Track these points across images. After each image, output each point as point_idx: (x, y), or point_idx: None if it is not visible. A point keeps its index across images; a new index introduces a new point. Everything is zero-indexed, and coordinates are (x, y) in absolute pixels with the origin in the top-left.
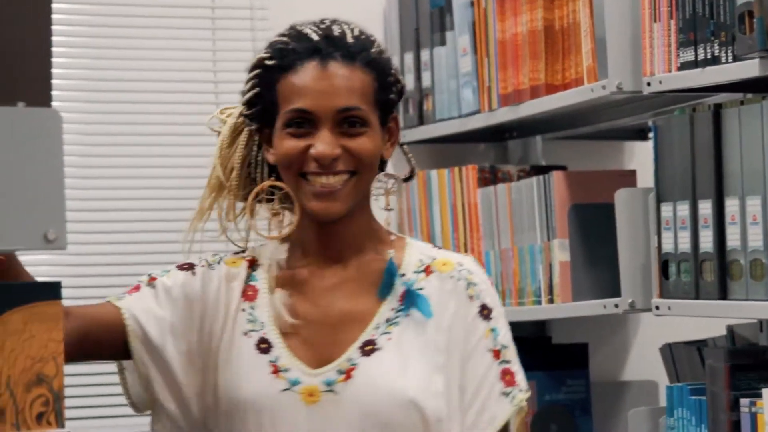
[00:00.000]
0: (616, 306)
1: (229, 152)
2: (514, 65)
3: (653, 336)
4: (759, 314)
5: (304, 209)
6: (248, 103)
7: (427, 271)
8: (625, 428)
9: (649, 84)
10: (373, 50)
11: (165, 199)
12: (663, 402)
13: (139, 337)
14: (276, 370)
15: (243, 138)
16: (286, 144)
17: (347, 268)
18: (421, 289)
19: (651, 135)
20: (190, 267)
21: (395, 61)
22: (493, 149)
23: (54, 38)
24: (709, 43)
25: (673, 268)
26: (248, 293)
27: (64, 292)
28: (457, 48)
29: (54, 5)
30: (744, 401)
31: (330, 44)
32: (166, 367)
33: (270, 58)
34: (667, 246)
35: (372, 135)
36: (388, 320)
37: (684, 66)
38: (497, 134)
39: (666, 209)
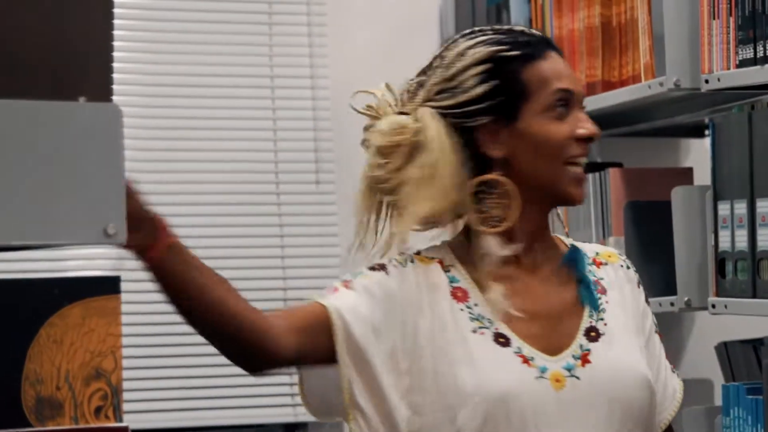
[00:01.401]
0: (672, 304)
1: (437, 157)
2: (571, 62)
3: (709, 334)
4: None
5: (540, 199)
6: (478, 99)
7: (597, 263)
8: (680, 427)
9: (707, 81)
10: None
11: (223, 194)
12: (719, 401)
13: (344, 336)
14: (525, 360)
15: (451, 140)
16: (551, 128)
17: (546, 260)
18: (602, 279)
19: (708, 132)
20: (381, 267)
21: None
22: None
23: (115, 33)
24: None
25: (729, 267)
26: (458, 294)
27: (124, 286)
28: None
29: (116, 0)
30: None
31: (548, 39)
32: (369, 368)
33: (509, 50)
34: (724, 244)
35: None
36: (594, 307)
37: (743, 63)
38: None
39: (723, 207)
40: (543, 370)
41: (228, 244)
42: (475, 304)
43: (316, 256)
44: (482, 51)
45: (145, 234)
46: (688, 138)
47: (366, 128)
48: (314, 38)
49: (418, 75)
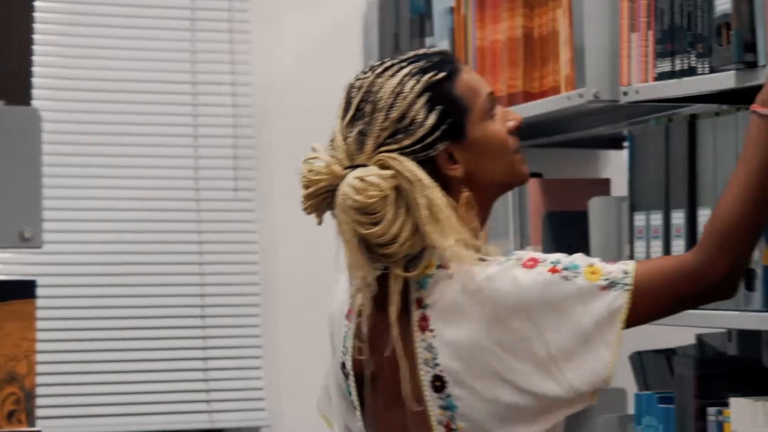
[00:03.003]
0: None
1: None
2: (492, 72)
3: (623, 344)
4: (728, 324)
5: (496, 195)
6: (432, 129)
7: None
8: None
9: (625, 93)
10: None
11: (143, 200)
12: (632, 410)
13: None
14: None
15: (426, 175)
16: (494, 130)
17: None
18: None
19: (626, 144)
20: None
21: None
22: None
23: (35, 37)
24: (686, 54)
25: None
26: None
27: (40, 291)
28: None
29: (36, 3)
30: (711, 410)
31: (449, 52)
32: None
33: (436, 74)
34: (640, 255)
35: None
36: None
37: (661, 76)
38: None
39: (639, 218)
40: None
41: (146, 249)
42: None
43: (234, 262)
44: (417, 83)
45: None
46: (607, 149)
47: (315, 193)
48: (236, 45)
49: (349, 125)
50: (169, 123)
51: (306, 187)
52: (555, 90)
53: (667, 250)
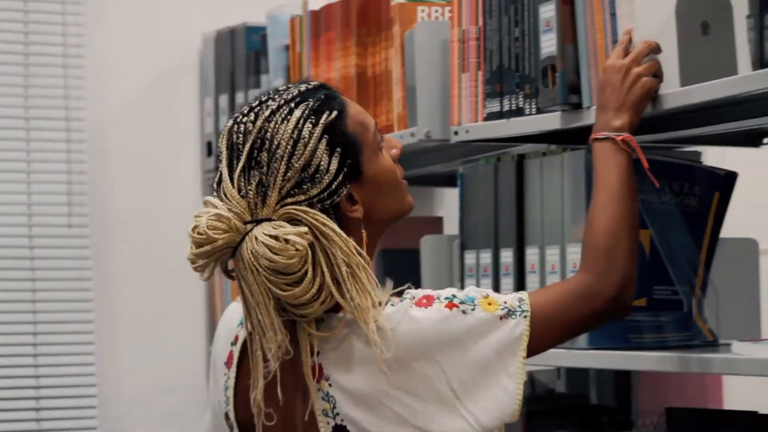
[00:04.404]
0: None
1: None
2: None
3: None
4: (557, 362)
5: (387, 227)
6: (336, 174)
7: None
8: None
9: (456, 133)
10: None
11: None
12: None
13: None
14: None
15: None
16: (385, 162)
17: None
18: None
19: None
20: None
21: (209, 104)
22: None
23: None
24: (514, 95)
25: None
26: None
27: None
28: None
29: None
30: None
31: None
32: None
33: (329, 114)
34: None
35: None
36: None
37: (490, 116)
38: None
39: (469, 257)
40: None
41: None
42: None
43: (68, 300)
44: (314, 126)
45: None
46: (441, 187)
47: (212, 252)
48: (70, 80)
49: (242, 175)
50: (2, 159)
51: (199, 244)
52: (388, 128)
53: (496, 288)
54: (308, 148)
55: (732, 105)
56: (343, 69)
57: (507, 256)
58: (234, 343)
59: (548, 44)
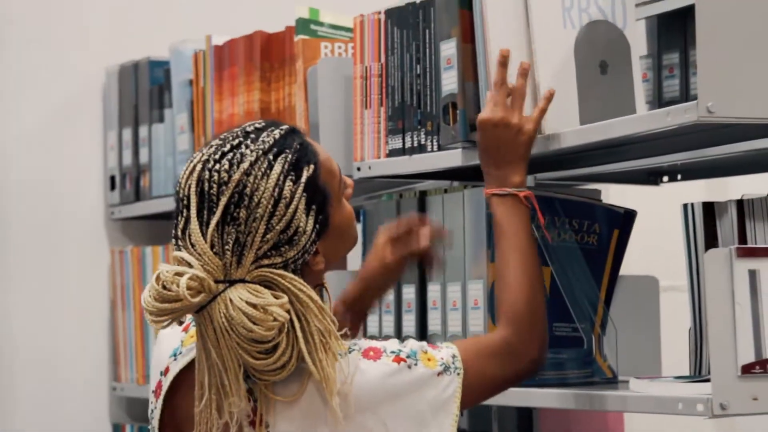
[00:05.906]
0: None
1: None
2: None
3: None
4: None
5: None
6: (311, 233)
7: None
8: None
9: (359, 169)
10: None
11: None
12: None
13: None
14: None
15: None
16: (347, 209)
17: None
18: None
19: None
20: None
21: (113, 137)
22: None
23: None
24: (416, 131)
25: None
26: None
27: None
28: (175, 126)
29: None
30: None
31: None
32: None
33: (308, 170)
34: (373, 330)
35: None
36: None
37: (392, 153)
38: None
39: None
40: None
41: None
42: None
43: None
44: (294, 184)
45: None
46: None
47: (179, 310)
48: None
49: (217, 230)
50: None
51: (165, 300)
52: None
53: (398, 324)
54: (290, 210)
55: (631, 143)
56: (247, 104)
57: (409, 292)
58: (164, 374)
59: (449, 81)
